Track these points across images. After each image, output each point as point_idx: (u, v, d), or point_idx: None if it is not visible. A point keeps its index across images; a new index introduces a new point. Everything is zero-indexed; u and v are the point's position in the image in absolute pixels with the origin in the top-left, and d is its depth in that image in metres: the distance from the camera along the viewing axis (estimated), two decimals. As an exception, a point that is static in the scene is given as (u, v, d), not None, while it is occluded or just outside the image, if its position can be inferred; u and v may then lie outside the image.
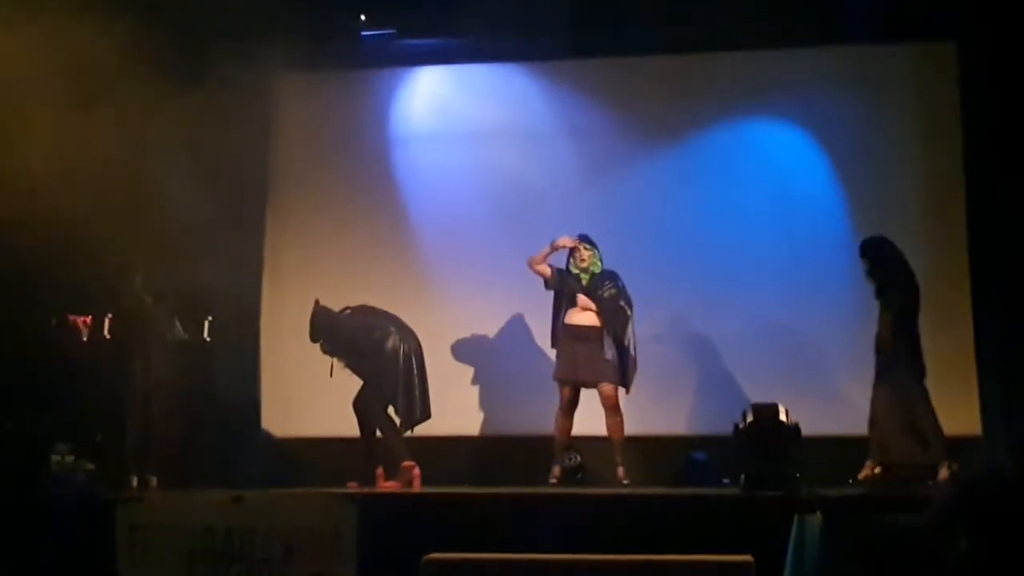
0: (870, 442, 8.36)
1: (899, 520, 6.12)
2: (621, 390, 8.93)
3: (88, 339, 9.18)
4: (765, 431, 7.83)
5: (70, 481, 8.54)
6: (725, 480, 8.54)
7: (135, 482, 8.73)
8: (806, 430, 7.99)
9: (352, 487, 8.45)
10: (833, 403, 9.36)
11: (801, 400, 8.37)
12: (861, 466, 8.32)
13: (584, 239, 9.08)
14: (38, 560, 7.44)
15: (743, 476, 7.85)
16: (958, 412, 9.36)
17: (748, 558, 5.94)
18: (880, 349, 8.47)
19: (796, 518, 6.54)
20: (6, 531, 7.56)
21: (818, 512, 6.51)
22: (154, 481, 8.82)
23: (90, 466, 8.71)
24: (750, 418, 7.96)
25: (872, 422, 8.40)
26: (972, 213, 9.60)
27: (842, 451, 8.74)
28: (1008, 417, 9.01)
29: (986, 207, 9.48)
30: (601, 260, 9.07)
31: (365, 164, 10.60)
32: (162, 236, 9.36)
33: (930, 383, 9.37)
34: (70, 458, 8.66)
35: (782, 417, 7.89)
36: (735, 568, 5.83)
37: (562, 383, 8.99)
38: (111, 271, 9.09)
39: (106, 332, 9.15)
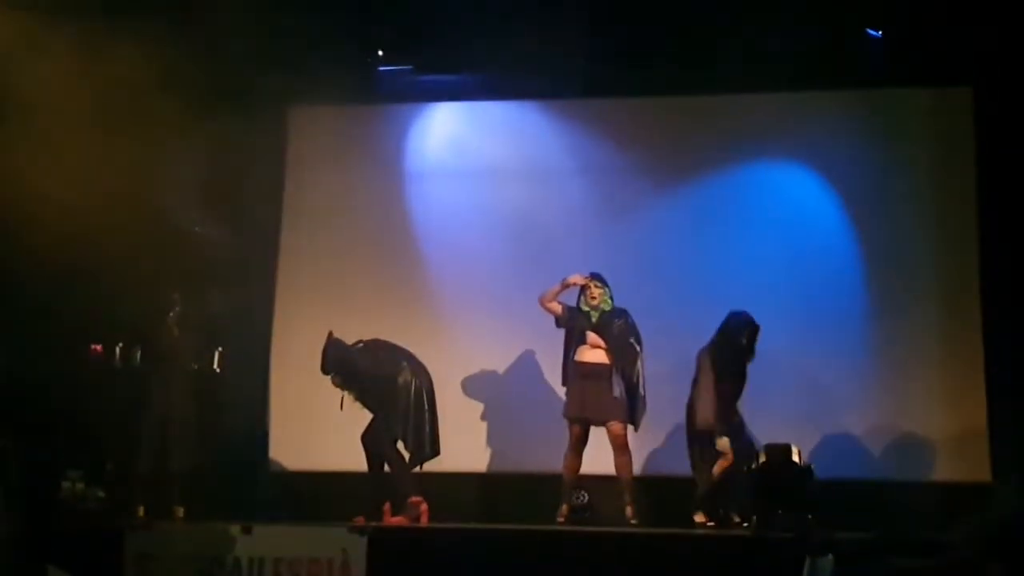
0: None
1: (911, 562, 6.10)
2: (630, 429, 8.89)
3: (112, 367, 9.22)
4: (777, 472, 7.83)
5: (80, 507, 8.55)
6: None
7: (142, 511, 8.74)
8: (818, 473, 8.00)
9: (359, 522, 8.40)
10: (844, 446, 9.36)
11: (812, 443, 8.38)
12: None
13: (595, 277, 9.06)
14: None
15: (754, 517, 7.84)
16: (969, 459, 9.36)
17: (759, 599, 5.92)
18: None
19: (808, 560, 6.53)
20: (16, 557, 7.56)
21: (830, 554, 6.50)
22: (181, 512, 8.85)
23: (101, 494, 8.73)
24: (763, 459, 7.96)
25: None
26: (985, 257, 9.60)
27: (855, 494, 8.74)
28: (1020, 465, 8.96)
29: (1000, 251, 9.48)
30: (612, 298, 9.03)
31: (379, 198, 10.62)
32: (177, 266, 9.41)
33: (942, 432, 9.42)
34: (80, 485, 8.67)
35: (795, 458, 7.90)
36: (746, 609, 5.83)
37: (571, 421, 8.94)
38: (145, 302, 9.18)
39: (135, 361, 9.19)
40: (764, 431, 8.80)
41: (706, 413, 8.55)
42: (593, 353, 8.93)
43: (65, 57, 8.61)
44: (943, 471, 9.41)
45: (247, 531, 7.43)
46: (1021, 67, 9.36)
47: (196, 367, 9.26)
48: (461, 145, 10.61)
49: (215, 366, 9.49)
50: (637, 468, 8.90)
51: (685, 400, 9.09)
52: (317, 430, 9.80)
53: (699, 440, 8.68)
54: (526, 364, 10.08)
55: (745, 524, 8.18)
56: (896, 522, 8.16)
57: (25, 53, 8.61)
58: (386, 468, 8.87)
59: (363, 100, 10.67)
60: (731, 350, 8.73)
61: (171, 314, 9.19)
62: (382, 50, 10.35)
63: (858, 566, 6.41)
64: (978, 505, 8.23)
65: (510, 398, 10.11)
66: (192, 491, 8.96)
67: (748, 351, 8.74)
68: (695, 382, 8.85)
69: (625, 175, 10.27)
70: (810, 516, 7.70)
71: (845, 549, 6.61)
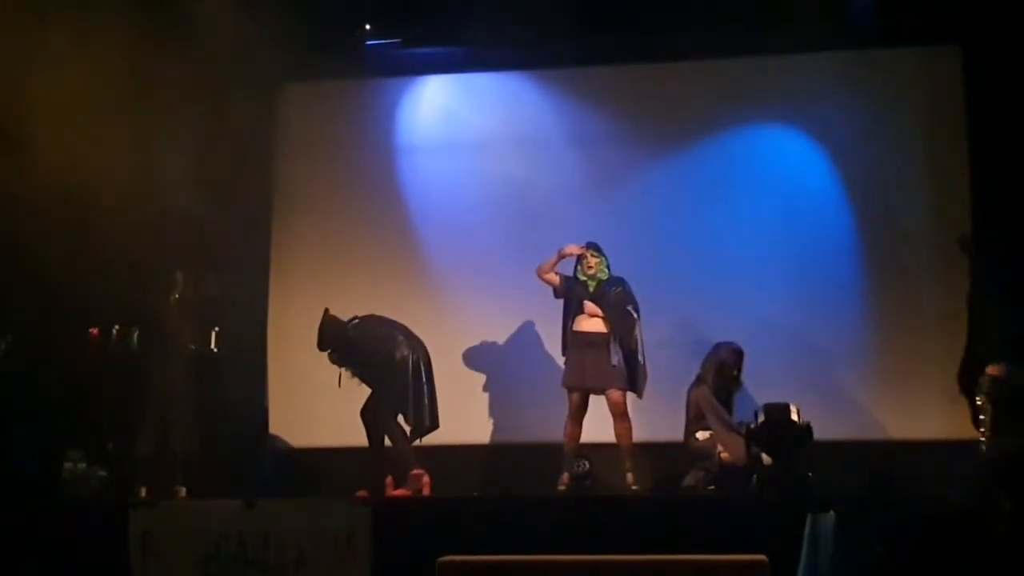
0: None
1: (911, 517, 6.15)
2: (629, 396, 8.90)
3: (112, 349, 9.22)
4: (777, 431, 7.86)
5: (83, 487, 8.57)
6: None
7: (144, 490, 8.76)
8: (814, 435, 8.03)
9: (361, 495, 8.43)
10: (841, 407, 9.40)
11: (809, 404, 8.39)
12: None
13: (591, 246, 9.07)
14: (52, 566, 7.47)
15: (755, 476, 7.87)
16: (967, 417, 9.39)
17: (762, 558, 5.95)
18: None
19: (810, 517, 6.57)
20: (20, 537, 7.58)
21: (831, 511, 6.54)
22: (183, 491, 8.86)
23: (103, 473, 8.75)
24: (762, 418, 7.99)
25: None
26: (977, 218, 9.61)
27: (851, 454, 8.78)
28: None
29: (991, 212, 9.49)
30: (609, 267, 9.06)
31: (371, 173, 10.61)
32: (172, 247, 9.41)
33: (934, 390, 9.46)
34: (83, 464, 8.69)
35: (794, 417, 7.93)
36: (750, 568, 5.86)
37: (570, 390, 8.97)
38: (147, 283, 9.21)
39: (133, 343, 9.19)
40: (762, 393, 8.85)
41: (739, 450, 8.45)
42: (591, 322, 8.95)
43: (52, 39, 8.60)
44: (941, 429, 9.42)
45: (251, 506, 7.44)
46: (1009, 26, 9.36)
47: (194, 347, 9.28)
48: (452, 118, 10.59)
49: (212, 346, 9.51)
50: (637, 435, 8.89)
51: (683, 366, 9.15)
52: (317, 407, 9.79)
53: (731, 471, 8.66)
54: (524, 335, 10.10)
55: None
56: (895, 480, 8.20)
57: (9, 37, 8.59)
58: (387, 442, 8.90)
59: (351, 75, 10.64)
60: (723, 384, 8.91)
61: (174, 295, 9.21)
62: (369, 24, 10.31)
63: (859, 523, 6.45)
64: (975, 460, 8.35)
65: (509, 369, 10.13)
66: (193, 470, 8.97)
67: (737, 383, 8.97)
68: (696, 421, 8.91)
69: (618, 143, 10.26)
70: (810, 474, 7.75)
71: (846, 507, 6.64)
